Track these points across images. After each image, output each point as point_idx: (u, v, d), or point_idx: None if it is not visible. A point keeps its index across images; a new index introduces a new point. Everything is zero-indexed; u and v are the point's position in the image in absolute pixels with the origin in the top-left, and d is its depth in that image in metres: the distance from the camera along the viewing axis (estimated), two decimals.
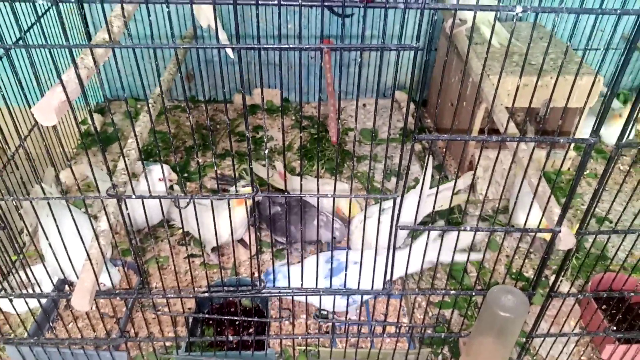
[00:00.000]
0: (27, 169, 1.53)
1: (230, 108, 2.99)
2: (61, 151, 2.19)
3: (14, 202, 1.19)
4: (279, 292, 1.47)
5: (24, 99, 1.05)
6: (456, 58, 2.52)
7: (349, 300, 1.65)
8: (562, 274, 1.41)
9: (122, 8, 0.96)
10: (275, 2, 0.90)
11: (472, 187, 2.38)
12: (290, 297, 1.68)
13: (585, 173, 2.64)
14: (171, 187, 2.06)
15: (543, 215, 1.32)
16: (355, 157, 2.36)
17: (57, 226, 1.26)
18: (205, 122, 2.79)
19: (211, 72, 2.90)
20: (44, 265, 1.43)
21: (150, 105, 1.79)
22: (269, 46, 0.98)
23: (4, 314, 1.55)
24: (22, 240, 1.96)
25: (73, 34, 2.57)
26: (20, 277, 1.54)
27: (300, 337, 1.67)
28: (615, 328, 1.72)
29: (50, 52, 1.05)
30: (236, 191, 1.75)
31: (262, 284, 1.42)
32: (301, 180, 1.19)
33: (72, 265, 1.34)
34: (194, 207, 1.24)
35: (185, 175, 2.50)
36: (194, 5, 0.91)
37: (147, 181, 1.34)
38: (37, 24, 1.44)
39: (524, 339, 1.58)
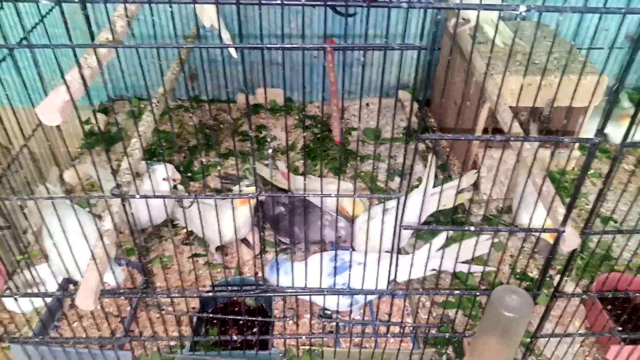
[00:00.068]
0: (32, 169, 1.54)
1: (233, 108, 2.99)
2: (65, 151, 2.20)
3: (18, 202, 1.20)
4: (283, 292, 1.47)
5: (27, 99, 1.05)
6: (460, 57, 2.51)
7: (352, 300, 1.65)
8: (567, 274, 1.41)
9: (125, 8, 0.96)
10: (278, 2, 0.90)
11: (476, 186, 2.37)
12: (294, 297, 1.68)
13: (589, 173, 2.62)
14: (175, 187, 2.06)
15: (548, 215, 1.31)
16: (358, 156, 2.36)
17: (61, 226, 1.26)
18: (208, 121, 2.79)
19: (214, 71, 2.90)
20: (48, 264, 1.44)
21: (153, 104, 1.79)
22: (272, 46, 0.98)
23: (10, 313, 1.55)
24: (26, 240, 1.96)
25: (76, 34, 2.57)
26: (25, 276, 1.54)
27: (304, 337, 1.67)
28: (620, 328, 1.72)
29: (53, 52, 1.05)
30: (240, 191, 1.75)
31: (266, 284, 1.42)
32: (305, 180, 1.19)
33: (77, 265, 1.34)
34: (198, 206, 1.24)
35: (189, 174, 2.50)
36: (197, 5, 0.91)
37: (151, 181, 1.34)
38: (41, 24, 1.44)
39: (529, 339, 1.57)
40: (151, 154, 2.54)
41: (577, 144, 2.51)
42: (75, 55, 0.99)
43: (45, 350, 1.57)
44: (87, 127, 2.72)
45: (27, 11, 2.01)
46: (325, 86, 2.96)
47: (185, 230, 2.17)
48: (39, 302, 1.72)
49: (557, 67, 2.28)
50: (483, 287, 1.46)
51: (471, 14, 2.13)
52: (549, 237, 1.87)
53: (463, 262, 1.49)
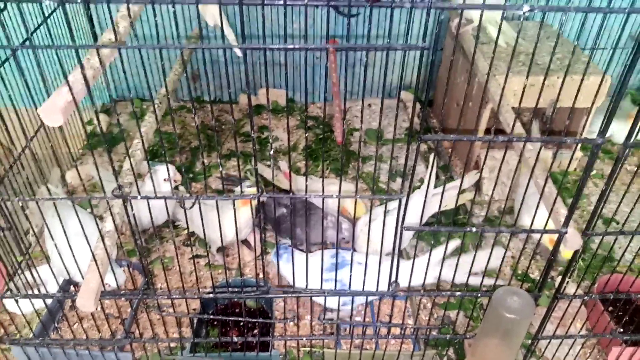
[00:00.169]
0: (33, 170, 1.53)
1: (235, 108, 3.00)
2: (67, 152, 2.20)
3: (20, 203, 1.20)
4: (284, 293, 1.47)
5: (30, 100, 1.05)
6: (462, 58, 2.51)
7: (345, 299, 1.64)
8: (569, 275, 1.40)
9: (128, 8, 0.96)
10: (281, 2, 0.89)
11: (478, 187, 2.37)
12: (295, 298, 1.68)
13: (591, 173, 2.62)
14: (176, 188, 2.06)
15: (549, 216, 1.31)
16: (360, 157, 2.36)
17: (62, 227, 1.26)
18: (210, 122, 2.79)
19: (217, 72, 2.90)
20: (49, 265, 1.44)
21: (156, 105, 1.79)
22: (274, 46, 0.98)
23: (10, 314, 1.55)
24: (27, 241, 1.96)
25: (79, 35, 2.58)
26: (26, 277, 1.54)
27: (304, 339, 1.67)
28: (622, 330, 1.71)
29: (56, 53, 1.05)
30: (241, 191, 1.75)
31: (267, 285, 1.41)
32: (306, 181, 1.19)
33: (78, 266, 1.34)
34: (199, 207, 1.24)
35: (191, 175, 2.50)
36: (200, 5, 0.91)
37: (153, 181, 1.34)
38: (44, 24, 1.44)
39: (530, 341, 1.57)
40: (153, 155, 2.54)
41: (579, 145, 2.51)
42: (78, 56, 0.99)
43: (45, 352, 1.57)
44: (89, 128, 2.72)
45: (30, 12, 2.02)
46: (328, 87, 2.96)
47: (186, 232, 2.17)
48: (39, 304, 1.72)
49: (560, 67, 2.28)
50: (484, 289, 1.46)
51: (474, 14, 2.12)
52: (548, 243, 1.86)
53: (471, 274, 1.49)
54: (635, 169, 2.62)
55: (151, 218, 1.33)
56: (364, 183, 2.47)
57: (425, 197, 1.36)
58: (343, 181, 2.41)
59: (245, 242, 2.13)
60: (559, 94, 1.15)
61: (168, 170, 1.87)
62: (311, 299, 1.68)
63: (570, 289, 1.93)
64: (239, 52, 1.65)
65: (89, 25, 0.98)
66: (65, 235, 1.27)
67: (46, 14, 1.80)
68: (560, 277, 1.43)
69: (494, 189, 1.30)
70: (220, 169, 1.13)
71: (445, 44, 2.83)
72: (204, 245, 2.09)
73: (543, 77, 1.14)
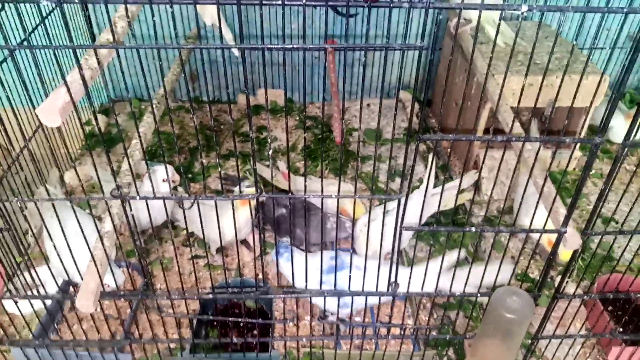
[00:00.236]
0: (32, 170, 1.53)
1: (234, 108, 2.99)
2: (65, 152, 2.20)
3: (18, 204, 1.19)
4: (283, 294, 1.46)
5: (28, 100, 1.05)
6: (461, 57, 2.51)
7: (340, 302, 1.64)
8: (568, 275, 1.40)
9: (126, 9, 0.96)
10: (279, 2, 0.89)
11: (477, 187, 2.37)
12: (295, 299, 1.68)
13: (590, 173, 2.62)
14: (175, 188, 2.06)
15: (549, 215, 1.31)
16: (359, 157, 2.36)
17: (61, 227, 1.26)
18: (209, 122, 2.79)
19: (215, 72, 2.90)
20: (48, 266, 1.43)
21: (154, 105, 1.79)
22: (273, 46, 0.98)
23: (9, 315, 1.55)
24: (26, 242, 1.96)
25: (77, 35, 2.57)
26: (25, 278, 1.54)
27: (304, 339, 1.67)
28: (621, 330, 1.71)
29: (54, 53, 1.05)
30: (240, 192, 1.75)
31: (266, 285, 1.41)
32: (305, 181, 1.19)
33: (77, 267, 1.34)
34: (198, 207, 1.24)
35: (190, 175, 2.50)
36: (198, 5, 0.91)
37: (152, 182, 1.33)
38: (42, 25, 1.44)
39: (530, 341, 1.57)
40: (152, 155, 2.54)
41: (578, 144, 2.51)
42: (76, 56, 0.99)
43: (45, 353, 1.57)
44: (87, 128, 2.72)
45: (28, 12, 2.02)
46: (326, 87, 2.96)
47: (185, 232, 2.17)
48: (38, 305, 1.72)
49: (559, 67, 2.28)
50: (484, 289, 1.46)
51: (472, 14, 2.13)
52: (547, 245, 1.86)
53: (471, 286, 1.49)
54: (634, 168, 2.62)
55: (150, 218, 1.33)
56: (364, 183, 2.47)
57: (425, 197, 1.36)
58: (342, 181, 2.41)
59: (245, 242, 2.13)
60: (557, 94, 1.15)
61: (167, 171, 1.86)
62: (310, 300, 1.68)
63: (570, 288, 1.93)
64: (236, 52, 1.65)
65: (86, 25, 0.98)
66: (64, 235, 1.27)
67: (44, 14, 1.80)
68: (559, 276, 1.43)
69: (492, 189, 1.30)
70: (219, 169, 1.13)
71: (444, 44, 2.83)
72: (203, 245, 2.09)
73: (542, 77, 1.14)
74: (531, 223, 1.36)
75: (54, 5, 0.90)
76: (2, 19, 1.04)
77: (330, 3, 0.94)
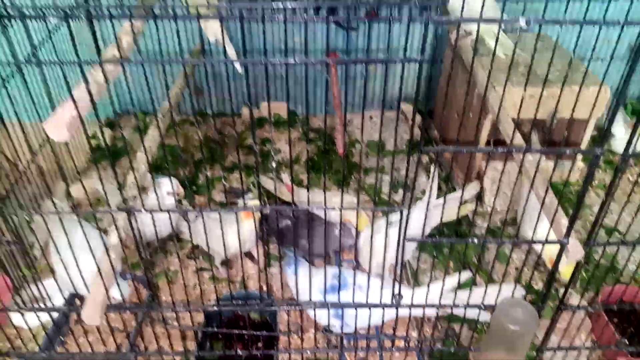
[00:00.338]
0: (38, 184, 1.55)
1: (238, 121, 3.02)
2: (71, 166, 2.22)
3: (26, 217, 1.21)
4: (287, 306, 1.47)
5: (35, 114, 1.07)
6: (462, 69, 2.52)
7: (343, 321, 1.64)
8: (572, 286, 1.40)
9: (131, 24, 0.98)
10: (281, 18, 0.91)
11: (480, 198, 2.37)
12: (299, 311, 1.68)
13: (594, 184, 2.62)
14: (179, 201, 2.08)
15: (550, 227, 1.31)
16: (362, 169, 2.37)
17: (68, 240, 1.27)
18: (213, 135, 2.81)
19: (219, 86, 2.92)
20: (55, 279, 1.44)
21: (159, 119, 1.81)
22: (275, 61, 1.00)
23: (16, 328, 1.55)
24: (33, 255, 1.97)
25: (83, 49, 2.61)
26: (32, 291, 1.55)
27: (309, 352, 1.67)
28: (627, 342, 1.70)
29: (61, 68, 1.07)
30: (244, 204, 1.76)
31: (271, 298, 1.42)
32: (308, 193, 1.20)
33: (83, 279, 1.35)
34: (203, 220, 1.25)
35: (194, 188, 2.51)
36: (202, 21, 0.93)
37: (157, 195, 1.35)
38: (49, 39, 1.47)
39: (535, 353, 1.56)
40: (157, 168, 2.56)
41: (581, 156, 2.51)
42: (82, 72, 1.01)
43: None
44: (93, 142, 2.74)
45: (35, 27, 2.05)
46: (328, 99, 2.99)
47: (190, 245, 2.18)
48: (45, 317, 1.73)
49: (560, 78, 2.29)
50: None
51: (473, 27, 2.15)
52: (548, 263, 1.86)
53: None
54: (636, 178, 2.62)
55: (155, 231, 1.34)
56: (367, 195, 2.48)
57: (427, 209, 1.37)
58: (345, 193, 2.42)
59: (249, 254, 2.14)
60: (556, 105, 1.17)
61: (172, 184, 1.88)
62: (315, 315, 1.68)
63: (574, 300, 1.92)
64: (239, 68, 1.67)
65: (92, 40, 1.00)
66: (71, 248, 1.28)
67: (50, 29, 1.83)
68: (563, 288, 1.43)
69: (494, 200, 1.31)
70: (224, 181, 1.14)
71: (445, 56, 2.85)
72: (208, 258, 2.10)
73: (542, 88, 1.15)
74: (533, 234, 1.37)
75: (60, 20, 0.93)
76: (9, 34, 1.07)
77: (331, 18, 0.96)
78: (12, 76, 1.51)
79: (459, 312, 1.49)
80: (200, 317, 1.87)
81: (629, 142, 1.17)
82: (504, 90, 1.19)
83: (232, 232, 1.80)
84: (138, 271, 2.04)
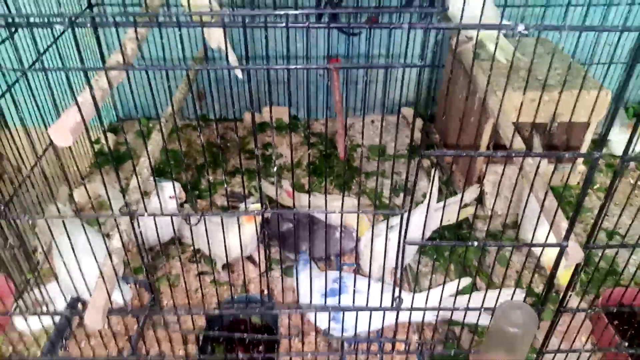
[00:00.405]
0: (42, 188, 1.56)
1: (240, 126, 3.03)
2: (75, 170, 2.23)
3: (29, 221, 1.22)
4: (288, 309, 1.48)
5: (38, 119, 1.08)
6: (463, 74, 2.54)
7: (344, 325, 1.65)
8: (572, 289, 1.41)
9: (136, 31, 1.00)
10: (283, 25, 0.93)
11: (481, 202, 2.38)
12: (300, 315, 1.69)
13: (595, 187, 2.63)
14: (182, 205, 2.09)
15: (550, 230, 1.32)
16: (363, 173, 2.37)
17: (71, 244, 1.28)
18: (216, 140, 2.83)
19: (222, 91, 2.94)
20: (58, 283, 1.45)
21: (162, 124, 1.83)
22: (277, 67, 1.01)
23: (19, 332, 1.56)
24: (35, 259, 1.99)
25: (87, 54, 2.63)
26: (35, 294, 1.57)
27: (309, 355, 1.67)
28: (627, 344, 1.71)
29: (66, 74, 1.08)
30: (246, 208, 1.77)
31: (272, 301, 1.43)
32: (309, 197, 1.21)
33: (86, 283, 1.36)
34: (205, 224, 1.26)
35: (196, 192, 2.53)
36: (204, 28, 0.94)
37: (159, 198, 1.36)
38: (54, 44, 1.48)
39: (535, 355, 1.57)
40: (159, 173, 2.57)
41: (582, 159, 2.52)
42: (87, 77, 1.02)
43: None
44: (96, 147, 2.76)
45: (40, 33, 2.07)
46: (330, 104, 3.00)
47: (192, 248, 2.19)
48: (47, 321, 1.74)
49: (560, 82, 2.30)
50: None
51: (474, 32, 2.16)
52: (547, 266, 1.87)
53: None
54: (634, 181, 2.63)
55: (157, 235, 1.35)
56: (368, 198, 2.49)
57: (427, 212, 1.38)
58: (347, 197, 2.43)
59: (250, 258, 2.15)
60: (555, 109, 1.18)
61: (174, 188, 1.89)
62: (315, 320, 1.69)
63: (575, 302, 1.93)
64: (239, 74, 1.68)
65: (97, 46, 1.01)
66: (74, 252, 1.29)
67: (56, 35, 1.85)
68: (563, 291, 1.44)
69: (494, 204, 1.32)
70: (225, 186, 1.16)
71: (447, 61, 2.87)
72: (210, 262, 2.11)
73: (542, 92, 1.16)
74: (533, 237, 1.38)
75: (65, 27, 0.94)
76: (15, 40, 1.08)
77: (333, 25, 0.97)
78: (17, 81, 1.53)
79: (459, 315, 1.49)
80: (201, 321, 1.88)
81: (628, 146, 1.18)
82: (503, 95, 1.20)
83: (233, 236, 1.81)
84: (140, 275, 2.05)
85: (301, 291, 1.64)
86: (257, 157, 1.13)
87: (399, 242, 1.28)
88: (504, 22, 1.06)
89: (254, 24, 0.95)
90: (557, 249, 1.32)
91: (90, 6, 2.59)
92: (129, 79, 1.07)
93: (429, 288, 1.47)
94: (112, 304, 1.30)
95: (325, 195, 1.20)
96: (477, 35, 1.02)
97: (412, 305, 1.45)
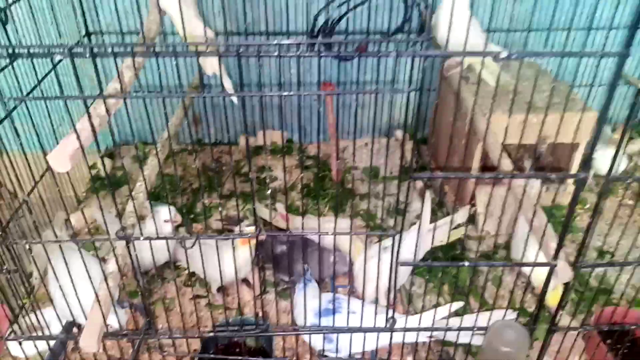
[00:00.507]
0: (38, 214, 1.58)
1: (235, 150, 3.06)
2: (70, 195, 2.25)
3: (27, 246, 1.24)
4: (283, 331, 1.49)
5: (35, 144, 1.11)
6: (455, 98, 2.59)
7: (338, 346, 1.66)
8: (562, 307, 1.43)
9: (133, 61, 1.03)
10: (276, 54, 0.96)
11: (473, 222, 2.40)
12: (294, 336, 1.70)
13: (586, 207, 2.66)
14: (177, 228, 2.10)
15: (539, 249, 1.35)
16: (357, 195, 2.40)
17: (67, 269, 1.30)
18: (211, 164, 2.85)
19: (217, 115, 2.98)
20: (53, 306, 1.46)
21: (158, 149, 1.86)
22: (270, 94, 1.05)
23: (13, 358, 1.56)
24: (31, 284, 1.99)
25: (85, 81, 2.68)
26: (30, 319, 1.57)
27: None
28: None
29: (65, 102, 1.12)
30: (240, 231, 1.79)
31: (266, 323, 1.44)
32: (303, 219, 1.24)
33: (82, 307, 1.37)
34: (199, 247, 1.28)
35: (192, 216, 2.54)
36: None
37: (155, 222, 1.38)
38: (53, 71, 1.52)
39: None
40: (155, 197, 2.59)
41: (572, 180, 2.56)
42: (85, 105, 1.05)
43: None
44: (93, 171, 2.78)
45: (39, 61, 2.11)
46: (323, 128, 3.05)
47: (187, 272, 2.20)
48: (42, 346, 1.74)
49: (549, 104, 2.35)
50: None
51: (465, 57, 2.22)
52: (537, 285, 1.89)
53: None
54: (630, 201, 2.67)
55: (153, 258, 1.37)
56: (362, 220, 2.51)
57: (419, 233, 1.41)
58: (341, 218, 2.45)
59: (245, 281, 2.16)
60: (540, 131, 1.22)
61: (169, 212, 1.91)
62: (310, 339, 1.69)
63: (567, 321, 1.94)
64: (235, 100, 1.72)
65: (95, 74, 1.05)
66: (70, 277, 1.31)
67: (54, 62, 1.89)
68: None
69: (483, 224, 1.35)
70: (220, 209, 1.18)
71: (438, 85, 2.92)
72: (205, 285, 2.12)
73: (534, 115, 1.20)
74: (522, 257, 1.40)
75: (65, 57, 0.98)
76: (15, 65, 1.11)
77: (323, 54, 1.01)
78: (15, 108, 1.56)
79: (453, 335, 1.51)
80: (196, 344, 1.88)
81: (612, 166, 1.22)
82: (488, 118, 1.24)
83: (228, 258, 1.82)
84: (135, 299, 2.05)
85: (299, 310, 1.65)
86: (252, 181, 1.16)
87: (391, 263, 1.31)
88: (492, 46, 1.11)
89: (247, 53, 0.99)
90: (547, 269, 1.34)
91: (87, 34, 2.64)
92: (126, 105, 1.10)
93: (422, 308, 1.49)
94: (107, 328, 1.31)
95: (319, 216, 1.22)
96: (462, 61, 1.06)
97: (405, 326, 1.46)
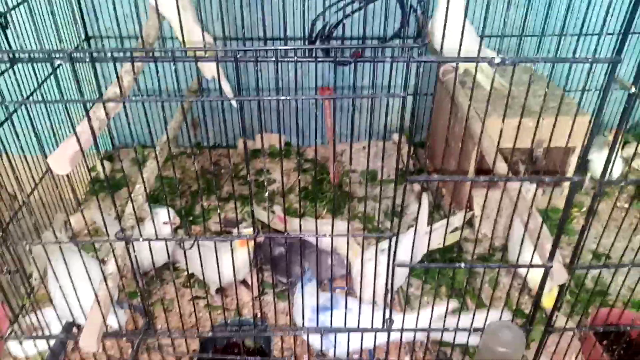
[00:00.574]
0: (38, 215, 1.60)
1: (234, 153, 3.08)
2: (70, 197, 2.27)
3: (27, 247, 1.25)
4: (280, 331, 1.50)
5: (35, 147, 1.12)
6: (451, 102, 2.61)
7: (336, 343, 1.67)
8: (558, 308, 1.45)
9: (133, 66, 1.05)
10: (273, 59, 0.98)
11: (470, 225, 2.42)
12: (293, 338, 1.71)
13: (582, 210, 2.68)
14: (175, 230, 2.12)
15: (534, 251, 1.36)
16: (355, 197, 2.41)
17: (67, 269, 1.31)
18: (209, 167, 2.87)
19: (215, 119, 3.00)
20: (54, 307, 1.48)
21: (157, 152, 1.87)
22: (269, 98, 1.07)
23: (13, 358, 1.58)
24: (30, 284, 2.00)
25: (85, 85, 2.69)
26: (30, 319, 1.58)
27: None
28: None
29: (65, 106, 1.13)
30: (238, 233, 1.81)
31: (265, 324, 1.45)
32: (300, 221, 1.25)
33: (81, 307, 1.38)
34: (198, 248, 1.30)
35: (190, 218, 2.56)
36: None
37: (154, 224, 1.40)
38: (53, 74, 1.54)
39: None
40: (154, 199, 2.61)
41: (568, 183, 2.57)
42: (85, 108, 1.07)
43: None
44: (92, 174, 2.80)
45: (39, 65, 2.13)
46: (321, 132, 3.07)
47: (186, 273, 2.21)
48: (42, 346, 1.75)
49: (545, 109, 2.37)
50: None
51: (460, 63, 2.24)
52: (533, 287, 1.90)
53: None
54: (626, 205, 2.69)
55: (152, 260, 1.39)
56: (360, 223, 2.53)
57: (415, 235, 1.42)
58: (339, 221, 2.47)
59: (243, 282, 2.17)
60: (534, 135, 1.23)
61: (168, 214, 1.93)
62: (308, 341, 1.71)
63: (561, 322, 1.96)
64: (234, 103, 1.74)
65: (94, 78, 1.06)
66: (70, 277, 1.32)
67: (54, 65, 1.91)
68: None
69: (479, 226, 1.37)
70: (219, 211, 1.20)
71: (435, 89, 2.94)
72: (203, 286, 2.13)
73: (535, 119, 1.22)
74: (518, 259, 1.42)
75: (65, 62, 0.99)
76: (15, 70, 1.13)
77: (320, 59, 1.03)
78: (15, 111, 1.58)
79: (450, 335, 1.52)
80: (195, 345, 1.89)
81: (605, 170, 1.23)
82: (483, 122, 1.26)
83: (227, 260, 1.84)
84: (135, 299, 2.07)
85: (297, 310, 1.66)
86: (250, 183, 1.18)
87: (388, 265, 1.32)
88: (488, 51, 1.13)
89: (245, 58, 1.01)
90: (542, 270, 1.36)
91: (87, 39, 2.66)
92: (125, 109, 1.12)
93: (419, 309, 1.50)
94: (107, 328, 1.33)
95: (316, 219, 1.24)
96: (457, 67, 1.08)
97: (402, 326, 1.48)
